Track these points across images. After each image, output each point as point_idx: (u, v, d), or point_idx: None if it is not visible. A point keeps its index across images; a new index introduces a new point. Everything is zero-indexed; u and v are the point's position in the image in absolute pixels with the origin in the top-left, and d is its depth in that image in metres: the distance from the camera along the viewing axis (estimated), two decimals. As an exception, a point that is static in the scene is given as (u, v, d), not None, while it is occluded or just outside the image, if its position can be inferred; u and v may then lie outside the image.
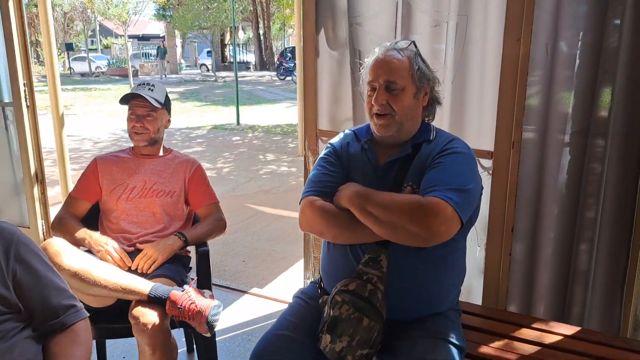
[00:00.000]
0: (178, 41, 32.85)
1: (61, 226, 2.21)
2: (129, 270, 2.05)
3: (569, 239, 2.13)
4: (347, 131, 1.80)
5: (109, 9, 21.44)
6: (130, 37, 36.45)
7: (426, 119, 1.71)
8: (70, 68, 29.44)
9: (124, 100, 2.28)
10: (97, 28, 33.91)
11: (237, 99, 10.64)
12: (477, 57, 2.16)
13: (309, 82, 2.56)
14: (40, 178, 3.73)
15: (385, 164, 1.64)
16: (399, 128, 1.60)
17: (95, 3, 21.63)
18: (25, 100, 3.55)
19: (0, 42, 3.54)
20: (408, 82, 1.57)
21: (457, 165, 1.54)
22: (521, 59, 2.00)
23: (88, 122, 11.39)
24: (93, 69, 28.33)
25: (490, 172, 2.16)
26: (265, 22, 30.58)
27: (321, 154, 1.76)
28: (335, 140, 1.78)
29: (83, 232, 2.14)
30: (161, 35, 34.16)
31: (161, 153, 2.39)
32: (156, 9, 31.66)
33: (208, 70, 29.54)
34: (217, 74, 26.40)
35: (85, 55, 30.09)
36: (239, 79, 11.68)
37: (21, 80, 3.51)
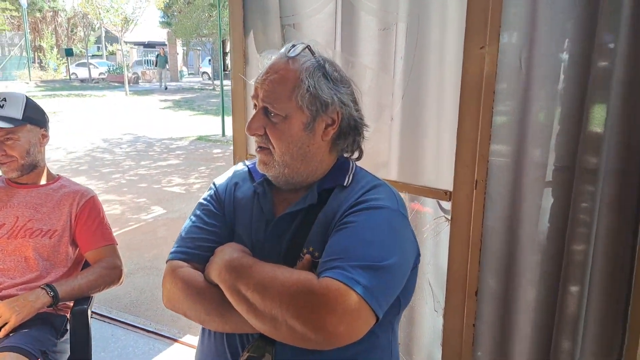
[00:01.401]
0: (180, 49, 32.61)
1: None
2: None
3: (551, 304, 1.64)
4: (239, 166, 1.32)
5: (100, 13, 21.13)
6: (136, 44, 36.33)
7: (345, 154, 1.22)
8: (73, 74, 29.20)
9: None
10: (103, 34, 33.72)
11: (223, 109, 10.18)
12: (433, 68, 1.68)
13: (237, 95, 2.09)
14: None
15: (283, 216, 1.15)
16: (283, 170, 1.13)
17: (94, 8, 21.30)
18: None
19: None
20: (292, 108, 1.09)
21: (373, 228, 1.05)
22: (486, 73, 1.51)
23: (70, 130, 10.99)
24: (96, 75, 28.07)
25: (449, 217, 1.67)
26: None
27: (201, 198, 1.28)
28: (220, 179, 1.30)
29: None
30: (165, 43, 33.95)
31: (44, 181, 1.92)
32: (160, 17, 31.48)
33: (209, 78, 29.23)
34: (218, 82, 26.01)
35: (89, 61, 29.84)
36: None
37: None
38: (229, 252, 1.10)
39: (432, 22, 1.65)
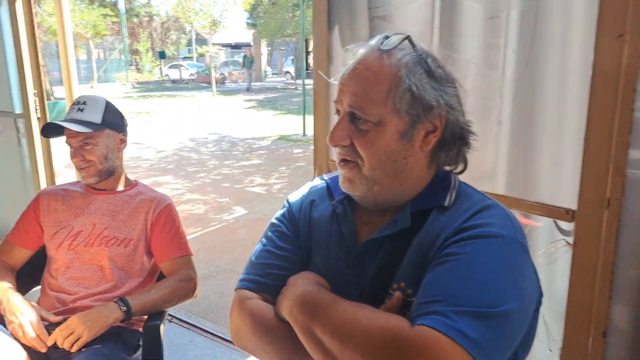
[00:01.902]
0: (264, 49, 33.32)
1: (-15, 279, 1.72)
2: (48, 350, 1.52)
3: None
4: (316, 181, 1.13)
5: (189, 17, 21.99)
6: (223, 45, 37.63)
7: (447, 167, 1.00)
8: (165, 75, 30.74)
9: (45, 132, 1.78)
10: (193, 37, 35.20)
11: (304, 109, 10.14)
12: (553, 63, 1.40)
13: (320, 96, 1.92)
14: (52, 197, 3.37)
15: (367, 242, 0.96)
16: (372, 187, 0.93)
17: (184, 12, 22.26)
18: (36, 112, 3.21)
19: (10, 51, 3.23)
20: (387, 113, 0.89)
21: (484, 263, 0.83)
22: (625, 66, 1.22)
23: (160, 129, 11.45)
24: (186, 77, 29.37)
25: (571, 242, 1.39)
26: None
27: (273, 217, 1.11)
28: (294, 195, 1.12)
29: (2, 293, 1.64)
30: (251, 44, 34.88)
31: (121, 187, 1.85)
32: (247, 18, 32.36)
33: (292, 77, 29.60)
34: (301, 81, 26.19)
35: (180, 63, 31.28)
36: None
37: (31, 90, 3.17)
38: (302, 285, 0.92)
39: (554, 6, 1.38)
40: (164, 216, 1.80)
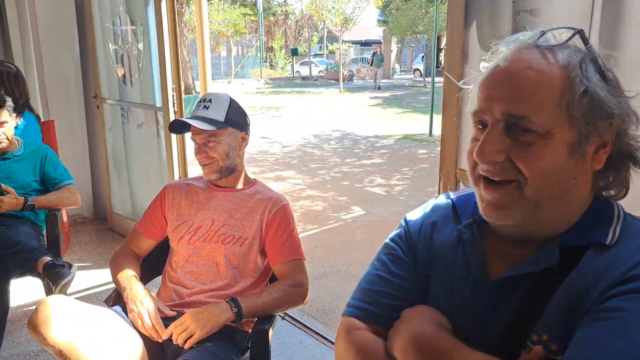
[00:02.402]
0: (394, 46, 33.03)
1: (114, 265, 1.82)
2: (163, 342, 1.56)
3: None
4: (440, 199, 0.99)
5: (322, 15, 22.41)
6: (353, 42, 38.02)
7: (604, 193, 0.81)
8: (296, 72, 31.85)
9: (175, 130, 1.82)
10: (325, 34, 36.02)
11: (432, 108, 9.79)
12: None
13: (450, 96, 1.75)
14: (184, 187, 3.56)
15: (502, 280, 0.80)
16: (532, 213, 0.76)
17: (317, 10, 22.82)
18: (173, 105, 3.41)
19: (154, 48, 3.46)
20: (557, 122, 0.72)
21: None
22: None
23: (288, 125, 11.81)
24: (316, 73, 30.15)
25: None
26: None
27: (388, 237, 0.99)
28: (414, 214, 0.99)
29: (127, 280, 1.71)
30: (381, 41, 34.82)
31: (240, 185, 1.85)
32: (378, 15, 32.33)
33: (421, 75, 29.04)
34: (429, 79, 25.59)
35: (311, 60, 32.19)
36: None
37: (170, 85, 3.37)
38: (419, 324, 0.79)
39: None
40: (279, 217, 1.77)
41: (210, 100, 1.75)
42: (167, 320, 1.60)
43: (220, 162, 1.74)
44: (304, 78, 30.02)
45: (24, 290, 2.83)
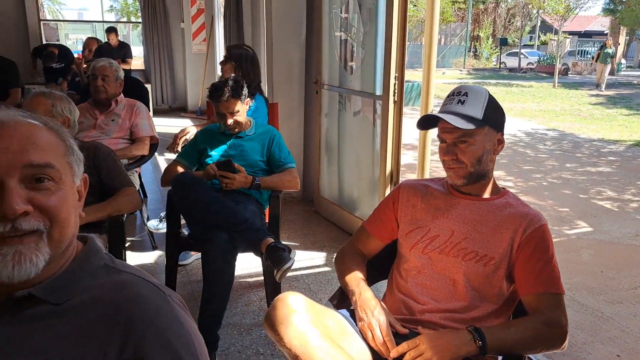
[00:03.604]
0: (622, 38, 28.90)
1: (340, 264, 1.72)
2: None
3: None
4: None
5: (544, 1, 20.37)
6: (570, 33, 34.35)
7: None
8: (502, 63, 29.95)
9: (421, 125, 1.59)
10: (538, 24, 33.20)
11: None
12: None
13: None
14: (395, 180, 3.43)
15: None
16: None
17: (537, -2, 20.96)
18: (394, 95, 3.27)
19: (380, 37, 3.35)
20: None
21: None
22: None
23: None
24: (524, 65, 27.98)
25: None
26: None
27: None
28: None
29: (356, 283, 1.59)
30: (604, 33, 30.84)
31: (487, 195, 1.59)
32: (605, 3, 28.62)
33: (654, 72, 24.98)
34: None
35: (521, 51, 29.96)
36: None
37: (393, 74, 3.23)
38: None
39: None
40: (536, 239, 1.47)
41: (466, 94, 1.51)
42: (397, 337, 1.44)
43: (469, 167, 1.50)
44: (510, 70, 28.03)
45: (245, 260, 2.97)
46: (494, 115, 1.51)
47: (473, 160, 1.49)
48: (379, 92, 3.44)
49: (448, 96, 1.55)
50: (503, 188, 1.63)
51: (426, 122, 1.58)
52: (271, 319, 1.30)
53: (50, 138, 0.83)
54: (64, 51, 7.04)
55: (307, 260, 3.40)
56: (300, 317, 1.30)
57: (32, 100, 2.30)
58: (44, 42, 8.35)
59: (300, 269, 3.26)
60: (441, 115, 1.47)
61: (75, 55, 6.66)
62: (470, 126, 1.45)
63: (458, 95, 1.52)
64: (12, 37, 7.85)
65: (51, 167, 0.80)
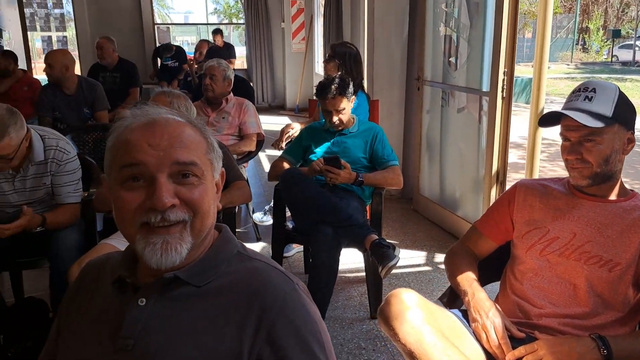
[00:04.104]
0: None
1: (451, 264, 1.70)
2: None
3: None
4: None
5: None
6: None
7: None
8: (614, 56, 27.71)
9: (544, 122, 1.52)
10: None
11: None
12: None
13: None
14: (500, 179, 3.32)
15: None
16: None
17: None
18: (502, 91, 3.16)
19: (488, 31, 3.24)
20: None
21: None
22: None
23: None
24: (639, 58, 25.70)
25: None
26: None
27: None
28: None
29: (468, 284, 1.56)
30: None
31: (614, 197, 1.49)
32: None
33: None
34: None
35: (633, 42, 27.53)
36: None
37: (501, 69, 3.12)
38: None
39: None
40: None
41: (594, 90, 1.43)
42: (512, 341, 1.40)
43: (595, 168, 1.42)
44: (624, 63, 25.82)
45: (346, 256, 3.01)
46: (625, 113, 1.42)
47: (600, 160, 1.41)
48: (485, 88, 3.33)
49: (573, 92, 1.48)
50: (631, 190, 1.52)
51: (548, 119, 1.52)
52: (385, 314, 1.32)
53: (194, 136, 0.90)
54: (180, 51, 7.74)
55: (407, 258, 3.38)
56: (415, 313, 1.30)
57: (154, 98, 2.48)
58: (158, 44, 8.98)
59: (400, 267, 3.23)
60: (568, 113, 1.40)
61: (188, 57, 7.16)
62: (599, 124, 1.37)
63: (585, 91, 1.45)
64: (131, 40, 8.52)
65: (195, 165, 0.87)
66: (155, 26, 9.36)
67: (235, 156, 3.46)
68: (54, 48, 11.98)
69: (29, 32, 8.57)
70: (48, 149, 2.21)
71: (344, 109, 2.69)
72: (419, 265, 3.32)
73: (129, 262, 0.93)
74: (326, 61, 3.56)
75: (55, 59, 3.80)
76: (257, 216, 3.73)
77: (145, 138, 0.85)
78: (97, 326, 0.89)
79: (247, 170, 4.28)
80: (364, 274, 2.89)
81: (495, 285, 1.73)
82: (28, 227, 2.10)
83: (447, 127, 3.92)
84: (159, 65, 7.83)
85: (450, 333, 1.38)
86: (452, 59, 3.82)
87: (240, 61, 11.09)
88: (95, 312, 0.92)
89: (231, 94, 3.59)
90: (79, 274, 1.02)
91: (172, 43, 8.52)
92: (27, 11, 8.74)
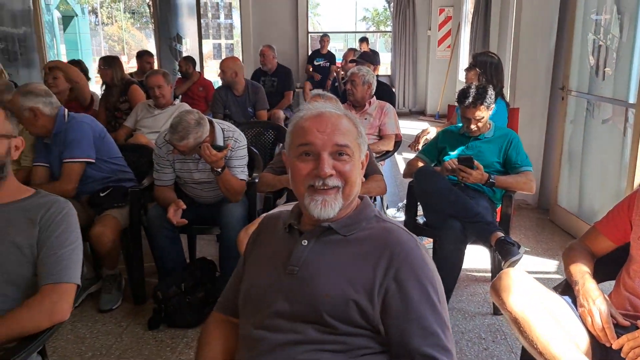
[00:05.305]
0: None
1: (568, 257, 1.84)
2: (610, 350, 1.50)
3: None
4: None
5: None
6: None
7: None
8: None
9: None
10: None
11: None
12: None
13: None
14: (644, 193, 3.21)
15: None
16: None
17: None
18: (652, 103, 3.07)
19: (639, 42, 3.17)
20: None
21: None
22: None
23: None
24: None
25: None
26: None
27: None
28: None
29: (580, 275, 1.71)
30: None
31: None
32: None
33: None
34: None
35: None
36: None
37: (653, 79, 3.04)
38: None
39: None
40: None
41: None
42: (618, 329, 1.52)
43: None
44: None
45: (474, 256, 3.18)
46: None
47: None
48: (632, 99, 3.26)
49: None
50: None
51: None
52: (496, 286, 1.54)
53: (349, 125, 1.23)
54: (330, 54, 8.91)
55: (537, 265, 3.43)
56: (522, 286, 1.51)
57: (313, 98, 2.89)
58: (310, 52, 9.71)
59: (530, 272, 3.31)
60: None
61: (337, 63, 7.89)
62: None
63: None
64: (287, 47, 9.35)
65: (348, 147, 1.20)
66: (309, 35, 10.11)
67: (374, 154, 3.79)
68: (223, 54, 13.51)
69: (203, 40, 9.83)
70: (227, 138, 2.75)
71: (482, 117, 2.84)
72: (548, 273, 3.35)
73: (296, 215, 1.29)
74: (467, 70, 3.73)
75: (227, 65, 4.48)
76: (391, 212, 4.01)
77: (315, 125, 1.20)
78: (273, 257, 1.27)
79: (383, 169, 4.60)
80: (489, 274, 3.03)
81: (610, 285, 1.83)
82: (216, 163, 2.61)
83: (590, 138, 3.85)
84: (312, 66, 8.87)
85: (557, 313, 1.54)
86: (600, 70, 3.75)
87: (384, 67, 11.46)
88: (272, 249, 1.29)
89: (374, 97, 3.92)
90: (258, 225, 1.41)
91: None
92: (202, 22, 10.01)
